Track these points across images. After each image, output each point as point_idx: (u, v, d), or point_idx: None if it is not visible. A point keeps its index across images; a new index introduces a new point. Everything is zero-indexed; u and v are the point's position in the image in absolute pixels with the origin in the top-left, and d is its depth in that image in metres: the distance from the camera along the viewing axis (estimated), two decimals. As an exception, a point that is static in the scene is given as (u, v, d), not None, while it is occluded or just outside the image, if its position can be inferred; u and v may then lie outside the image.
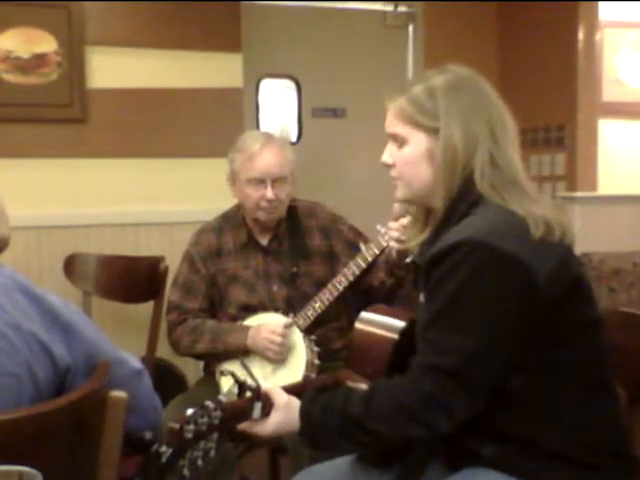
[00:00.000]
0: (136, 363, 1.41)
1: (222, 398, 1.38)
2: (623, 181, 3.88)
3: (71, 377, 1.26)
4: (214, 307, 2.33)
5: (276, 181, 2.23)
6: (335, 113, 3.92)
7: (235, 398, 1.41)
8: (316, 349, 2.17)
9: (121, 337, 1.74)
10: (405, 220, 1.83)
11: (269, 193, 2.22)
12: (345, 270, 2.17)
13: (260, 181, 2.23)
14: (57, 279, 2.87)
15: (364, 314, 1.73)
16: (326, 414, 1.37)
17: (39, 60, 2.94)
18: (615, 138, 3.96)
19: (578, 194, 3.61)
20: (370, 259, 2.13)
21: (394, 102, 1.45)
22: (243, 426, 1.41)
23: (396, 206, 1.92)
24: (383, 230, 2.03)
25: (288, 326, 2.16)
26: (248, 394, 1.40)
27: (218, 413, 1.33)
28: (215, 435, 1.34)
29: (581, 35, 3.56)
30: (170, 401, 2.17)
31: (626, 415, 1.47)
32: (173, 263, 2.48)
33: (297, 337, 2.18)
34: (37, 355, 1.21)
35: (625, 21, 3.94)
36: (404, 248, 1.71)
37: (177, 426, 1.29)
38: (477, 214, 1.36)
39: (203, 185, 3.15)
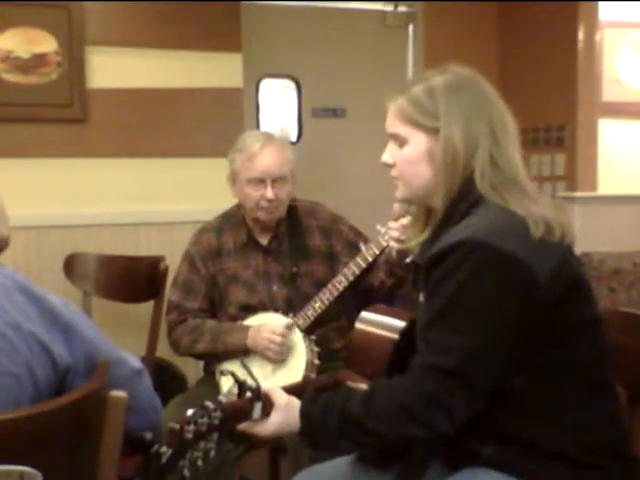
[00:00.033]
0: (136, 363, 1.41)
1: (222, 398, 1.38)
2: (623, 181, 3.89)
3: (71, 377, 1.26)
4: (214, 307, 2.33)
5: (276, 181, 2.24)
6: (335, 113, 3.92)
7: (235, 398, 1.40)
8: (316, 349, 2.17)
9: (121, 337, 1.74)
10: (405, 220, 1.83)
11: (269, 193, 2.22)
12: (345, 270, 2.17)
13: (260, 181, 2.23)
14: (57, 279, 2.87)
15: (364, 314, 1.72)
16: (326, 414, 1.37)
17: (39, 60, 2.94)
18: (615, 138, 3.96)
19: (578, 194, 3.61)
20: (370, 259, 2.13)
21: (394, 102, 1.45)
22: (243, 426, 1.41)
23: (396, 206, 1.92)
24: (383, 230, 2.03)
25: (289, 327, 2.16)
26: (248, 394, 1.39)
27: (218, 413, 1.33)
28: (215, 435, 1.34)
29: (581, 35, 3.56)
30: (170, 401, 2.17)
31: (626, 415, 1.47)
32: (173, 263, 2.48)
33: (297, 337, 2.18)
34: (37, 355, 1.21)
35: (625, 21, 3.95)
36: (404, 248, 1.72)
37: (177, 426, 1.29)
38: (477, 214, 1.36)
39: (203, 185, 3.15)
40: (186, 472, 1.32)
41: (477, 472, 1.36)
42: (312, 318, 2.19)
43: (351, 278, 2.16)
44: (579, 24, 3.56)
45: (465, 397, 1.30)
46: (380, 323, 1.68)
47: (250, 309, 2.26)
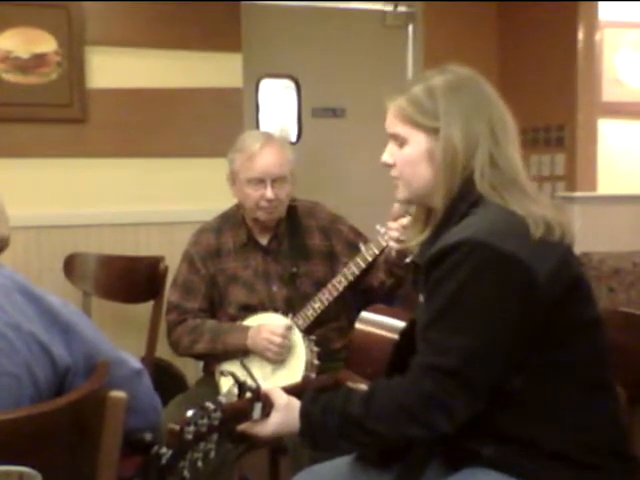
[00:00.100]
0: (136, 363, 1.41)
1: (222, 399, 1.38)
2: (623, 181, 3.89)
3: (71, 377, 1.26)
4: (214, 307, 2.33)
5: (276, 181, 2.23)
6: (335, 113, 3.92)
7: (235, 399, 1.40)
8: (316, 349, 2.17)
9: (121, 337, 1.74)
10: (405, 220, 1.83)
11: (269, 193, 2.22)
12: (345, 270, 2.17)
13: (260, 181, 2.23)
14: (57, 279, 2.87)
15: (364, 314, 1.72)
16: (326, 414, 1.37)
17: (39, 60, 2.94)
18: (615, 138, 3.96)
19: (578, 194, 3.61)
20: (370, 259, 2.13)
21: (394, 102, 1.45)
22: (243, 427, 1.41)
23: (396, 206, 1.92)
24: (383, 230, 2.03)
25: (289, 328, 2.16)
26: (248, 395, 1.39)
27: (218, 414, 1.33)
28: (215, 436, 1.34)
29: (581, 35, 3.56)
30: (170, 401, 2.17)
31: (626, 415, 1.47)
32: (173, 263, 2.48)
33: (297, 337, 2.18)
34: (37, 355, 1.21)
35: (625, 21, 3.95)
36: (404, 248, 1.71)
37: (177, 427, 1.28)
38: (477, 214, 1.36)
39: (203, 185, 3.15)
40: (186, 473, 1.32)
41: (477, 472, 1.36)
42: (312, 318, 2.19)
43: (351, 278, 2.16)
44: (579, 24, 3.56)
45: (465, 397, 1.30)
46: (380, 323, 1.68)
47: (250, 309, 2.26)
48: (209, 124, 3.19)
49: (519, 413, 1.35)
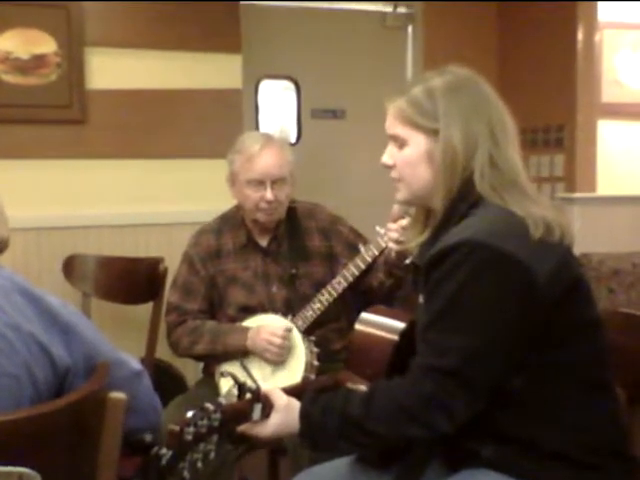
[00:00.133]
0: (136, 364, 1.41)
1: (222, 400, 1.39)
2: (622, 182, 3.89)
3: (70, 378, 1.26)
4: (213, 308, 2.32)
5: (275, 182, 2.23)
6: (334, 114, 3.92)
7: (235, 400, 1.41)
8: (315, 350, 2.17)
9: (120, 338, 1.74)
10: (404, 221, 1.83)
11: (268, 194, 2.22)
12: (344, 271, 2.17)
13: (259, 182, 2.23)
14: (56, 280, 2.87)
15: (364, 315, 1.72)
16: (326, 415, 1.37)
17: (38, 61, 2.94)
18: (614, 139, 3.97)
19: (577, 195, 3.61)
20: (369, 260, 2.13)
21: (394, 103, 1.45)
22: (243, 428, 1.41)
23: (395, 207, 1.92)
24: (382, 231, 2.03)
25: (288, 330, 2.16)
26: (248, 396, 1.40)
27: (218, 415, 1.33)
28: (215, 437, 1.34)
29: (580, 36, 3.57)
30: (169, 402, 2.17)
31: (626, 415, 1.47)
32: (172, 264, 2.48)
33: (296, 338, 2.18)
34: (36, 356, 1.21)
35: (624, 22, 3.95)
36: (403, 249, 1.71)
37: (177, 428, 1.29)
38: (477, 215, 1.36)
39: (202, 186, 3.15)
40: (186, 474, 1.32)
41: (477, 473, 1.36)
42: (311, 319, 2.19)
43: (350, 279, 2.16)
44: (578, 25, 3.56)
45: (465, 397, 1.30)
46: (380, 324, 1.67)
47: (249, 310, 2.26)
48: (209, 125, 3.19)
49: (519, 413, 1.35)
